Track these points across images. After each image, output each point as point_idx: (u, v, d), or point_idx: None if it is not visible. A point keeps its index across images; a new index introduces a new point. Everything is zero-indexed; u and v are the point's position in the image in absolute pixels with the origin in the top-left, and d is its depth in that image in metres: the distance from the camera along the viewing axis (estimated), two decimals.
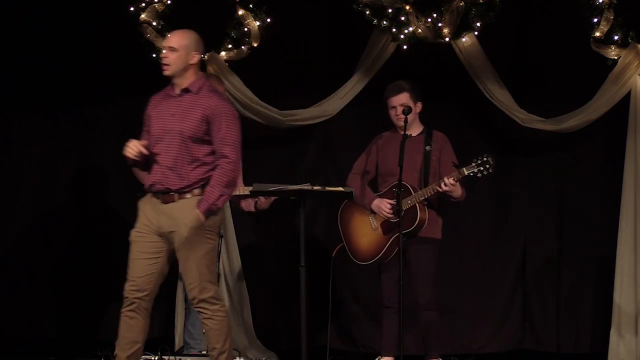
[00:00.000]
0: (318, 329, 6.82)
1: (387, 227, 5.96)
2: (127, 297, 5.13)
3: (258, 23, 6.95)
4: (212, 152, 5.13)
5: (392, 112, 6.06)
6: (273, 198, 6.13)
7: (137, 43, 6.99)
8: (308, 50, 7.32)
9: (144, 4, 6.99)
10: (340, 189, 5.64)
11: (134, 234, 5.17)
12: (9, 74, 7.38)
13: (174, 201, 5.09)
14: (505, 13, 6.77)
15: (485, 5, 6.70)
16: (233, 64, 7.08)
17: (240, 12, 6.96)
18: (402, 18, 6.78)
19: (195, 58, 5.19)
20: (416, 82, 6.14)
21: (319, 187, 5.56)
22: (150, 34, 6.97)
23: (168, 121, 5.13)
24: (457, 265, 7.17)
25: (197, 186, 5.10)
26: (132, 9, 6.99)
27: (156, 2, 6.98)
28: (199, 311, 5.15)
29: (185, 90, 5.17)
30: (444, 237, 6.09)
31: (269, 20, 6.96)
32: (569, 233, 7.18)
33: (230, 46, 7.02)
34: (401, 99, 6.03)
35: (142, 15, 6.97)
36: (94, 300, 7.37)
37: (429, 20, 6.77)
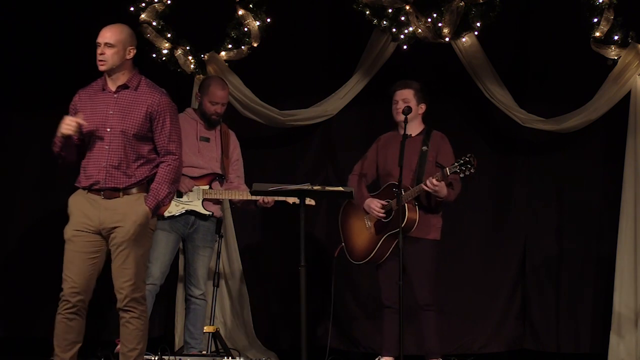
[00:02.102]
0: (318, 328, 6.82)
1: (379, 226, 5.97)
2: (67, 300, 5.01)
3: (258, 23, 6.95)
4: (155, 149, 5.05)
5: (393, 106, 6.10)
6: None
7: (137, 43, 6.98)
8: (308, 50, 7.32)
9: (144, 4, 6.99)
10: (340, 188, 5.63)
11: (70, 232, 5.01)
12: (9, 74, 7.37)
13: (118, 197, 4.99)
14: (505, 13, 6.77)
15: (485, 5, 6.70)
16: (233, 64, 7.07)
17: (240, 12, 6.96)
18: (402, 18, 6.78)
19: (131, 53, 5.09)
20: (422, 82, 6.16)
21: (319, 187, 5.56)
22: (150, 34, 6.97)
23: (107, 118, 5.01)
24: (457, 265, 7.17)
25: (141, 183, 5.02)
26: (132, 9, 6.99)
27: (156, 2, 6.98)
28: (128, 310, 4.98)
29: (123, 87, 5.06)
30: (444, 237, 6.08)
31: (269, 20, 6.96)
32: (569, 233, 7.18)
33: (230, 46, 7.02)
34: (404, 94, 6.07)
35: (142, 15, 6.97)
36: (93, 300, 7.33)
37: (429, 20, 6.77)
